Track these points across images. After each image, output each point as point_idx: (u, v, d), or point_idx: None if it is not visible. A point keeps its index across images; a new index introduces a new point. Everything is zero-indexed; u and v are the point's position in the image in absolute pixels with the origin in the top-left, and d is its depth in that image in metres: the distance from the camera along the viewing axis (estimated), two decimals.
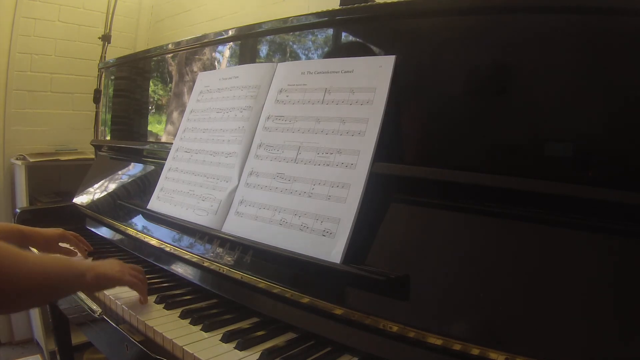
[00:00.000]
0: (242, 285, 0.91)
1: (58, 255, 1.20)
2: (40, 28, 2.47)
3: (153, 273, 1.10)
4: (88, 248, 1.26)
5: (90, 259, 1.23)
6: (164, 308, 0.91)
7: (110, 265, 0.92)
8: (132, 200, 1.39)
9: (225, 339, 0.77)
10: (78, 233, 1.28)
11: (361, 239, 0.79)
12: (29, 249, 1.24)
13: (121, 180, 1.56)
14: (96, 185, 1.65)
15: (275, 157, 0.97)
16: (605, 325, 0.56)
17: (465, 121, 0.78)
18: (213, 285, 0.97)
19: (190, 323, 0.84)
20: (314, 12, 1.01)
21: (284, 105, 1.01)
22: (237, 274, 0.91)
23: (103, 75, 1.97)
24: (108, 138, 1.86)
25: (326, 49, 1.03)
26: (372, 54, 0.89)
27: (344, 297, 0.76)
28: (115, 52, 2.24)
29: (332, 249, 0.80)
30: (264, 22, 1.14)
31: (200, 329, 0.81)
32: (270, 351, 0.73)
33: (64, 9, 2.54)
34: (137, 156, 1.55)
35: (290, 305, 0.83)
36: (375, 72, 0.86)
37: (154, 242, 1.16)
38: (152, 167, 1.44)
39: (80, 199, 1.64)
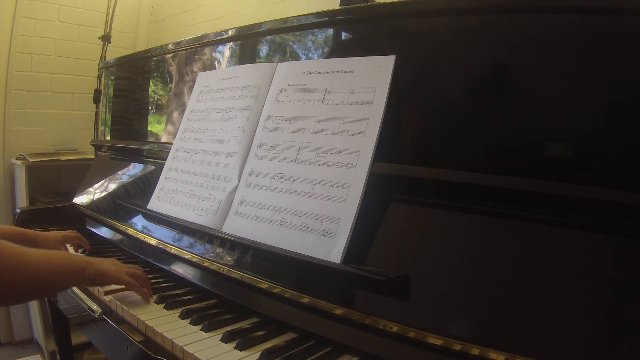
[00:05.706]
0: (242, 285, 0.91)
1: (57, 250, 1.20)
2: (40, 28, 2.47)
3: (153, 273, 1.10)
4: (87, 248, 1.27)
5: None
6: (164, 308, 0.91)
7: (109, 263, 0.94)
8: (132, 200, 1.38)
9: (225, 339, 0.77)
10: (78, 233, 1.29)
11: (361, 239, 0.79)
12: None
13: (121, 180, 1.56)
14: (96, 185, 1.65)
15: (275, 157, 0.97)
16: (605, 325, 0.56)
17: (465, 121, 0.78)
18: (213, 285, 0.97)
19: (190, 323, 0.84)
20: (314, 12, 1.01)
21: (284, 105, 1.01)
22: (237, 274, 0.91)
23: (103, 75, 1.97)
24: (108, 138, 1.86)
25: (326, 49, 1.03)
26: (372, 54, 0.89)
27: (344, 297, 0.76)
28: (115, 52, 2.24)
29: (332, 249, 0.80)
30: (264, 22, 1.14)
31: (200, 329, 0.81)
32: (270, 351, 0.73)
33: (64, 9, 2.54)
34: (137, 156, 1.55)
35: (290, 305, 0.83)
36: (375, 72, 0.86)
37: (154, 242, 1.16)
38: (152, 167, 1.44)
39: (80, 199, 1.64)
